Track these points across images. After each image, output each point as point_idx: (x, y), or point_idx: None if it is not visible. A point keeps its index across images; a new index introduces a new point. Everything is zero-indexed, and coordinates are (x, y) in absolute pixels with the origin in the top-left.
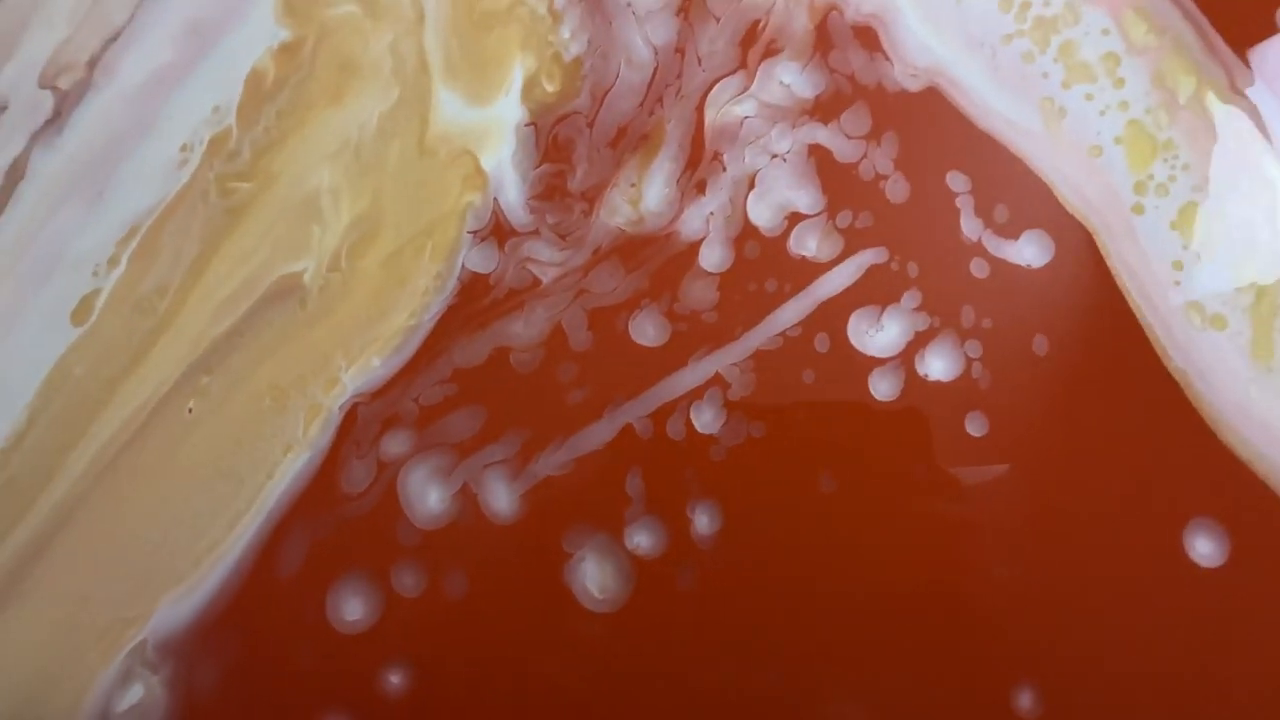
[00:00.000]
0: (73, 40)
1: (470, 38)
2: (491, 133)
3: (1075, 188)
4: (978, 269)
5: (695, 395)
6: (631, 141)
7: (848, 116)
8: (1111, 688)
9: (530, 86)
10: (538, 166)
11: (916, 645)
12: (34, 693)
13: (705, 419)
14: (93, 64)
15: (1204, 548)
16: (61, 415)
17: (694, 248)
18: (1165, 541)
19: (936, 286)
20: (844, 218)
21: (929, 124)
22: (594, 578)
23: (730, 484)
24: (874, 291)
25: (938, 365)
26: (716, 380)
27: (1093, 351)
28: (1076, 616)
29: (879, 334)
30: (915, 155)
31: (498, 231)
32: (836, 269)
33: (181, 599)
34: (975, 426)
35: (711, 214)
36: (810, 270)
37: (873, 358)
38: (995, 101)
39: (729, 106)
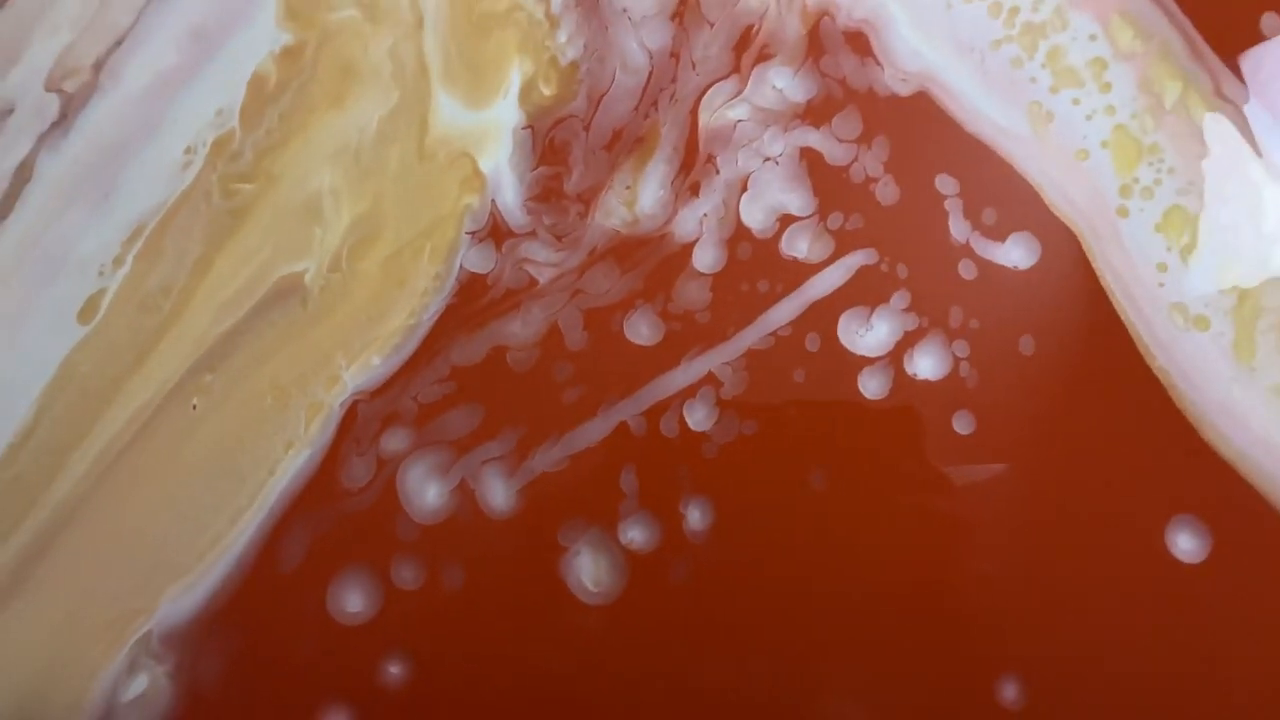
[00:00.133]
0: (78, 44)
1: (468, 42)
2: (489, 136)
3: (1062, 191)
4: (966, 270)
5: (688, 394)
6: (627, 144)
7: (839, 120)
8: (1094, 680)
9: (527, 90)
10: (535, 169)
11: (903, 637)
12: (43, 682)
13: (698, 417)
14: (98, 67)
15: (1186, 544)
16: (67, 412)
17: (687, 249)
18: (1148, 537)
19: (925, 287)
20: (835, 220)
21: (919, 128)
22: (588, 571)
23: (722, 480)
24: (864, 292)
25: (926, 365)
26: (709, 379)
27: (1078, 351)
28: (1061, 610)
29: (869, 334)
30: (905, 159)
31: (495, 233)
32: (827, 270)
33: (186, 592)
34: (963, 425)
35: (705, 216)
36: (801, 271)
37: (862, 357)
38: (984, 106)
39: (722, 110)
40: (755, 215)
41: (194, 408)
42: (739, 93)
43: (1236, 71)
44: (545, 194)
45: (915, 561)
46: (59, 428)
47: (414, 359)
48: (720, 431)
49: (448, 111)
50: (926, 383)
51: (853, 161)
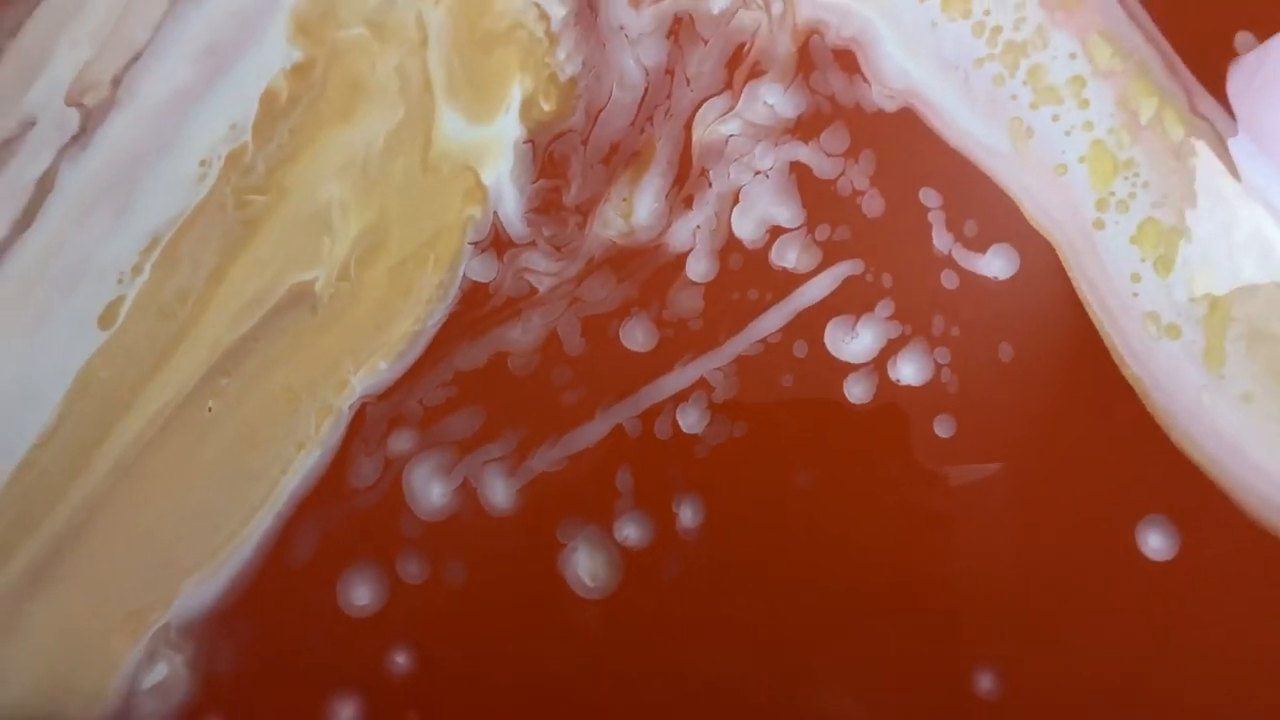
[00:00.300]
0: (97, 60)
1: (471, 59)
2: (491, 149)
3: (1041, 204)
4: (948, 280)
5: (681, 397)
6: (623, 158)
7: (827, 135)
8: (1066, 671)
9: (528, 105)
10: (535, 181)
11: (885, 629)
12: (67, 670)
13: (690, 419)
14: (116, 83)
15: (1155, 542)
16: (88, 415)
17: (681, 259)
18: (1119, 536)
19: (909, 297)
20: (822, 231)
21: (904, 143)
22: (585, 567)
23: (713, 480)
24: (850, 301)
25: (909, 371)
26: (701, 383)
27: (1055, 359)
28: (1035, 604)
29: (854, 341)
30: (890, 173)
31: (497, 243)
32: (815, 279)
33: (202, 585)
34: (943, 428)
35: (698, 227)
36: (790, 281)
37: (848, 363)
38: (967, 122)
39: (715, 125)
40: (746, 227)
41: (209, 410)
42: (731, 108)
43: (1211, 88)
44: (545, 206)
45: (897, 557)
46: (80, 429)
47: (419, 364)
48: (712, 433)
49: (451, 126)
50: (909, 388)
51: (840, 175)
